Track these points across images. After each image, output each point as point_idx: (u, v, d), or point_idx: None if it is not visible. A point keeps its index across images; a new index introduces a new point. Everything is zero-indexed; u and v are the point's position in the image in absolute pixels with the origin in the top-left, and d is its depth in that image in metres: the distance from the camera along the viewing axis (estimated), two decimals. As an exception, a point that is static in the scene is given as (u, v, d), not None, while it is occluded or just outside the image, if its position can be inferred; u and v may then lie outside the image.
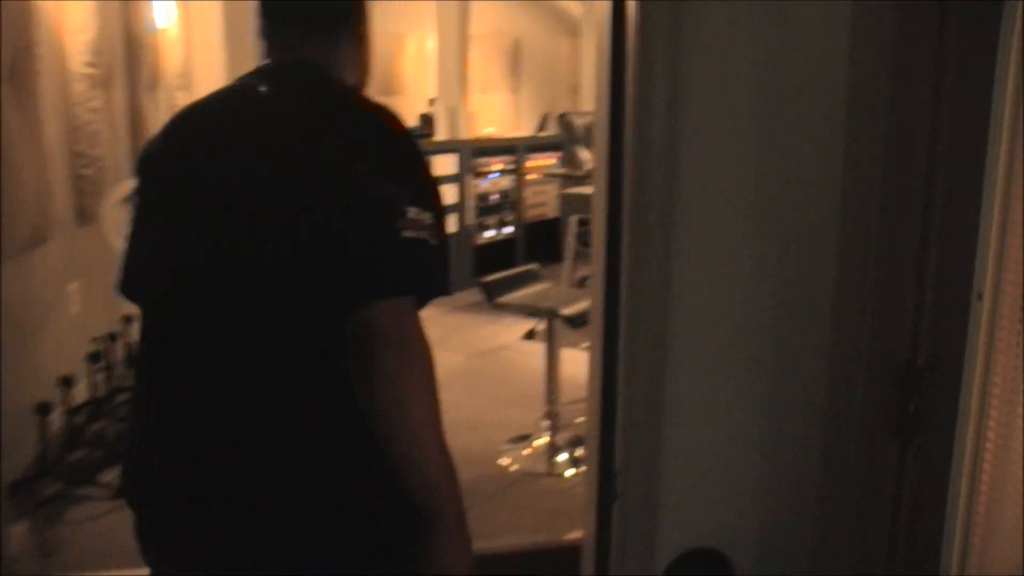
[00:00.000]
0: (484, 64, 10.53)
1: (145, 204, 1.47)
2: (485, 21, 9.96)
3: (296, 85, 1.40)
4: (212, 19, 4.88)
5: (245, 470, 1.29)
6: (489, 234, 7.29)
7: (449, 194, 6.89)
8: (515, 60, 11.32)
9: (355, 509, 1.31)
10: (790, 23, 1.63)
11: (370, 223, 1.26)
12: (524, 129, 10.98)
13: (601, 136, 1.79)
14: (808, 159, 1.72)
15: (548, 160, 7.94)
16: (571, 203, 5.60)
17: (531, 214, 7.75)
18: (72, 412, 3.64)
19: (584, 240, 6.47)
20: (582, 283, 6.85)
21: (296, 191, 1.28)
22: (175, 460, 1.35)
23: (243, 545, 1.30)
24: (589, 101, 8.74)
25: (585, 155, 6.80)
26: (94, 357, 3.92)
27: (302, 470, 1.29)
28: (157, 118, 6.24)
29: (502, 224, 7.45)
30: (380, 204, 1.26)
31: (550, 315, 3.52)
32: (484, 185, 7.21)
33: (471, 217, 7.09)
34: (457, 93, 7.24)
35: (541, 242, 7.98)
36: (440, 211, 1.34)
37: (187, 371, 1.35)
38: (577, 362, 4.81)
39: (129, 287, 1.49)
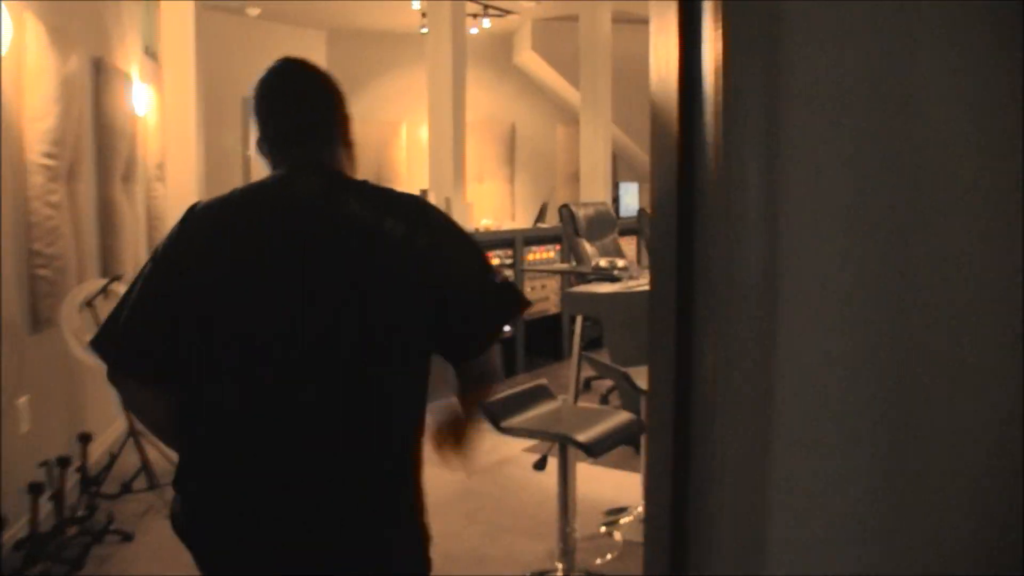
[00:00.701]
0: (478, 151, 10.23)
1: (197, 278, 1.59)
2: (479, 107, 9.68)
3: (333, 178, 1.68)
4: (187, 107, 4.51)
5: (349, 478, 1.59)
6: (486, 332, 6.86)
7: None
8: (510, 148, 11.04)
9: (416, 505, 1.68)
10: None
11: (480, 285, 1.70)
12: (520, 220, 10.63)
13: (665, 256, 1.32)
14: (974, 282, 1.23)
15: (548, 253, 7.55)
16: (577, 302, 5.16)
17: (531, 310, 7.33)
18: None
19: (589, 341, 6.03)
20: (587, 384, 6.40)
21: (409, 266, 1.59)
22: (280, 485, 1.57)
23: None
24: (590, 191, 8.39)
25: (589, 249, 6.40)
26: (38, 487, 3.39)
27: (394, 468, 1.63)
28: (134, 212, 5.84)
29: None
30: (481, 264, 1.72)
31: (564, 441, 3.05)
32: (481, 280, 6.80)
33: (467, 314, 6.67)
34: (451, 183, 6.85)
35: (542, 340, 7.54)
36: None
37: (289, 406, 1.56)
38: (594, 479, 4.34)
39: (137, 358, 1.62)
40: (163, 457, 3.76)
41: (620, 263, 5.51)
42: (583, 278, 5.66)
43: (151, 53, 6.45)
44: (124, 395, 1.66)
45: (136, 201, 5.89)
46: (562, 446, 3.13)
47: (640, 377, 3.72)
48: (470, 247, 1.70)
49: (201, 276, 1.58)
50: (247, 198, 1.67)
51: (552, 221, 8.23)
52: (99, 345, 1.63)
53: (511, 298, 1.75)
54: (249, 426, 1.57)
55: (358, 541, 1.58)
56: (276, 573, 1.58)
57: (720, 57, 1.09)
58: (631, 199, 8.85)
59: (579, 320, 5.62)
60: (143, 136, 6.42)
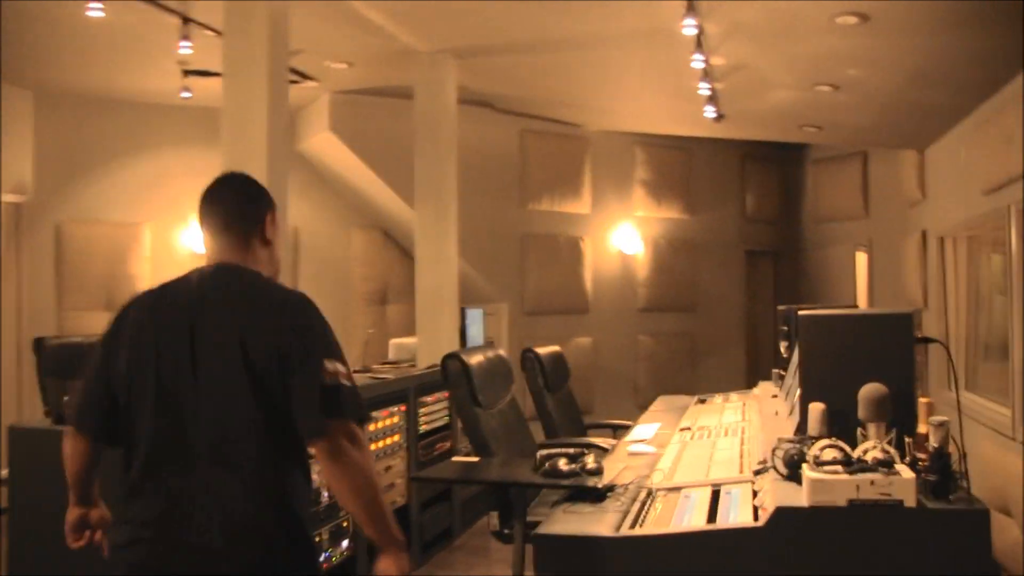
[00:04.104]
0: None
1: (135, 352, 2.11)
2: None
3: (236, 277, 2.16)
4: None
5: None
6: (321, 557, 4.34)
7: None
8: (291, 259, 8.52)
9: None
10: None
11: (303, 377, 2.02)
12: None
13: None
14: None
15: (393, 418, 5.18)
16: (560, 553, 2.83)
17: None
18: None
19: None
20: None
21: (266, 346, 2.04)
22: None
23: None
24: (429, 319, 6.15)
25: (489, 420, 4.11)
26: None
27: None
28: None
29: (339, 539, 4.51)
30: (308, 361, 2.03)
31: None
32: (315, 477, 4.29)
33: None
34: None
35: (432, 519, 5.10)
36: (345, 360, 2.09)
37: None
38: None
39: (85, 423, 2.19)
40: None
41: (589, 460, 3.30)
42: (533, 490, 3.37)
43: None
44: (66, 446, 2.21)
45: None
46: None
47: None
48: (307, 340, 2.07)
49: (124, 358, 2.10)
50: (169, 289, 2.17)
51: (389, 369, 5.87)
52: (70, 412, 2.22)
53: (335, 403, 2.04)
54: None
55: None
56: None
57: None
58: (477, 329, 6.69)
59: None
60: None
